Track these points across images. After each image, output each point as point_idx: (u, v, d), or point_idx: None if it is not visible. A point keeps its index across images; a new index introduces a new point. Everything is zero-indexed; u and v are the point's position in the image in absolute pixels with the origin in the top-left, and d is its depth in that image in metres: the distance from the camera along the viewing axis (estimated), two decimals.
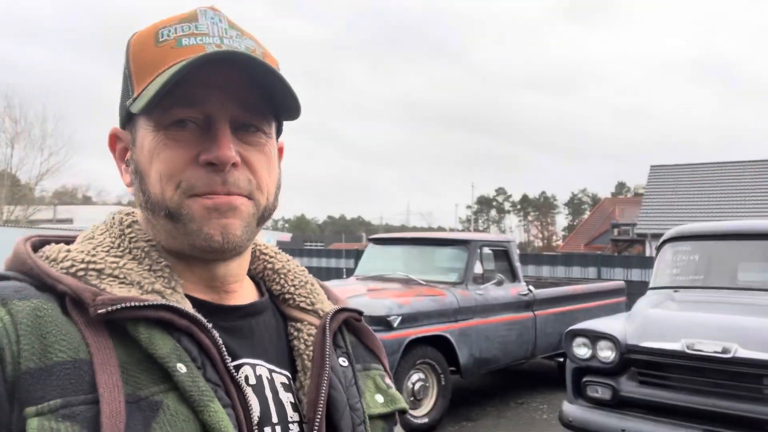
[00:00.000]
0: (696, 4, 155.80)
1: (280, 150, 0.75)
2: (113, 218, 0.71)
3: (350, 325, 0.81)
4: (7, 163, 24.48)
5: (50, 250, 0.65)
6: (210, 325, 0.61)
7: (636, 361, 3.93)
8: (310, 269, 0.86)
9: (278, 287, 0.78)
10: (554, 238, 78.89)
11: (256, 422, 0.62)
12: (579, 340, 4.21)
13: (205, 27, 0.66)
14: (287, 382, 0.69)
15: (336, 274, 16.06)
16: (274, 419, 0.65)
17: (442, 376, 5.40)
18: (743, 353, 3.46)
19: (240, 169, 0.65)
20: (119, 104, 0.70)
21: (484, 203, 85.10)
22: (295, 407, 0.68)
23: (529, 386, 7.22)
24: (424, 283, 5.90)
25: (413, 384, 5.20)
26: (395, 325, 4.98)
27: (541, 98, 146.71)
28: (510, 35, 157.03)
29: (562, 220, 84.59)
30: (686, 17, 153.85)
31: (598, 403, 4.03)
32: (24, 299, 0.57)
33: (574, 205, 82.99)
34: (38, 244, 0.67)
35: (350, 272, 9.52)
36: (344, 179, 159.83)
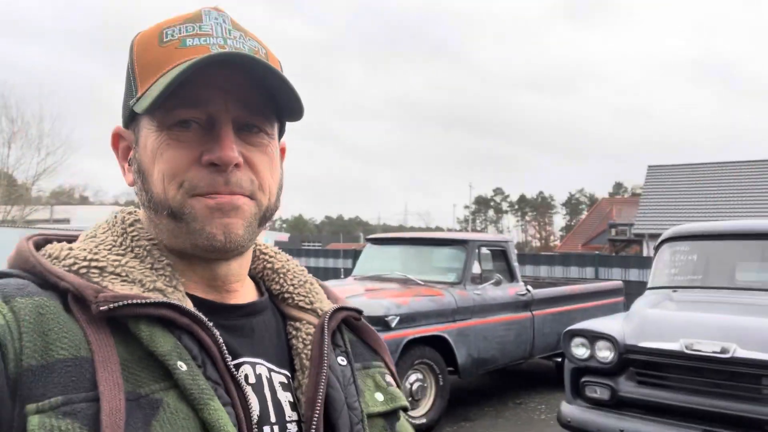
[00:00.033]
0: (696, 4, 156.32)
1: (283, 151, 0.75)
2: (115, 217, 0.71)
3: (350, 324, 0.81)
4: (3, 162, 24.40)
5: (53, 248, 0.65)
6: (211, 324, 0.62)
7: (634, 361, 3.92)
8: (308, 269, 0.86)
9: (277, 287, 0.78)
10: (552, 238, 79.04)
11: (255, 421, 0.62)
12: (577, 340, 4.20)
13: (209, 28, 0.66)
14: (286, 382, 0.69)
15: (334, 274, 16.04)
16: (272, 419, 0.65)
17: (440, 376, 5.39)
18: (742, 353, 3.46)
19: (242, 169, 0.65)
20: (122, 103, 0.70)
21: (482, 203, 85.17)
22: (294, 406, 0.68)
23: (527, 386, 7.22)
24: (422, 283, 5.89)
25: (411, 384, 5.19)
26: (393, 325, 4.96)
27: (539, 98, 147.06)
28: (509, 35, 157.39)
29: (559, 220, 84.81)
30: (686, 17, 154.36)
31: (597, 404, 4.02)
32: (26, 296, 0.57)
33: (572, 206, 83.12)
34: (41, 243, 0.68)
35: (348, 272, 9.52)
36: (342, 179, 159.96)
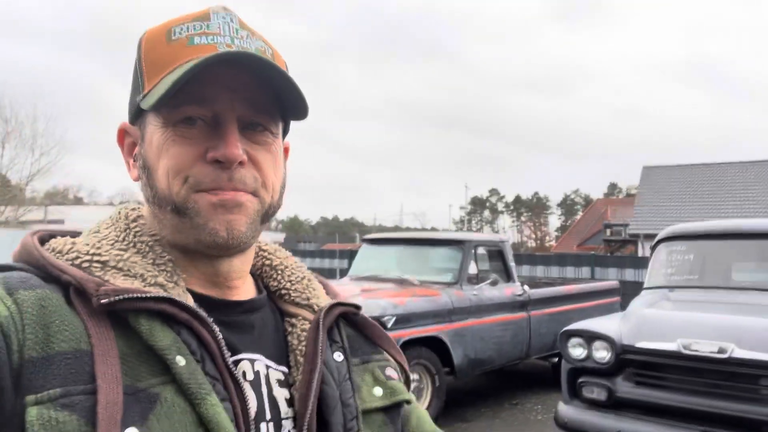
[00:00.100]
0: (691, 5, 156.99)
1: (286, 150, 0.76)
2: (119, 213, 0.72)
3: (350, 320, 0.81)
4: None
5: (56, 242, 0.66)
6: (210, 320, 0.62)
7: (632, 362, 3.91)
8: None
9: (275, 283, 0.79)
10: (547, 238, 79.25)
11: (252, 417, 0.63)
12: (574, 340, 4.18)
13: (216, 27, 0.67)
14: (283, 378, 0.70)
15: (329, 274, 16.02)
16: (268, 416, 0.66)
17: (436, 376, 5.36)
18: (740, 353, 3.45)
19: (246, 167, 0.66)
20: (129, 99, 0.71)
21: (478, 204, 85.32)
22: (290, 403, 0.68)
23: (523, 387, 7.20)
24: (419, 283, 5.87)
25: None
26: (389, 325, 4.94)
27: (534, 99, 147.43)
28: (505, 36, 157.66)
29: (554, 220, 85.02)
30: (681, 18, 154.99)
31: (594, 404, 4.00)
32: (29, 289, 0.58)
33: (567, 206, 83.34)
34: (46, 238, 0.69)
35: (344, 273, 9.48)
36: (338, 180, 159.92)
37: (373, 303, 5.01)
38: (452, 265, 6.13)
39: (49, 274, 0.61)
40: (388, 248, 6.82)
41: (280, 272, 0.79)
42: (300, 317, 0.74)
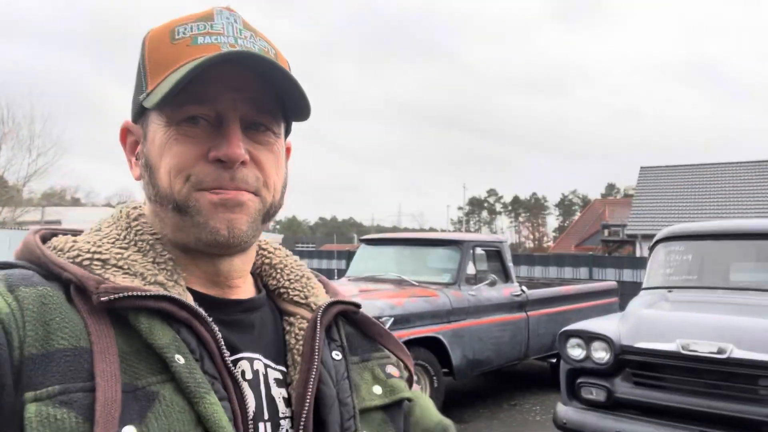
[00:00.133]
0: (688, 5, 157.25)
1: (288, 150, 0.76)
2: (120, 212, 0.72)
3: (350, 318, 0.80)
4: None
5: (58, 240, 0.67)
6: (210, 319, 0.62)
7: (630, 362, 3.90)
8: None
9: (274, 282, 0.79)
10: (545, 239, 79.33)
11: (251, 417, 0.63)
12: (573, 341, 4.17)
13: (220, 26, 0.68)
14: (281, 378, 0.70)
15: (327, 275, 15.92)
16: (266, 415, 0.66)
17: (434, 377, 5.35)
18: (739, 354, 3.44)
19: (248, 166, 0.66)
20: (132, 98, 0.72)
21: (476, 204, 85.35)
22: (288, 402, 0.68)
23: (521, 388, 7.20)
24: (417, 283, 5.86)
25: None
26: (387, 326, 4.92)
27: (533, 99, 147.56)
28: (504, 36, 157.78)
29: (552, 221, 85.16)
30: (678, 18, 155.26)
31: (593, 405, 4.00)
32: (30, 286, 0.58)
33: (565, 207, 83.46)
34: (48, 236, 0.69)
35: (342, 273, 9.48)
36: (336, 181, 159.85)
37: (371, 304, 5.00)
38: (450, 265, 6.12)
39: (50, 272, 0.62)
40: (386, 249, 6.80)
41: (279, 271, 0.79)
42: (298, 316, 0.74)
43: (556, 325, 6.21)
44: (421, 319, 5.29)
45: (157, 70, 0.66)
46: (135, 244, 0.67)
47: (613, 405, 3.90)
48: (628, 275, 13.65)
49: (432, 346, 5.39)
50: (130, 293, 0.59)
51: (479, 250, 6.25)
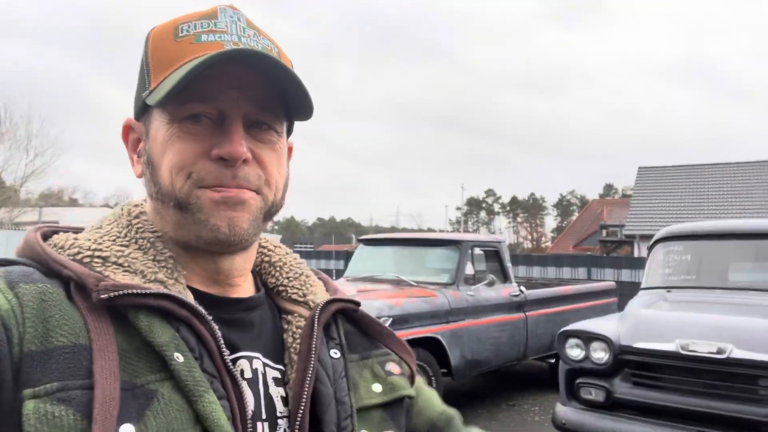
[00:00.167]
0: (686, 6, 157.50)
1: (290, 149, 0.77)
2: (122, 209, 0.72)
3: (349, 317, 0.80)
4: None
5: (59, 238, 0.67)
6: (210, 317, 0.62)
7: (629, 362, 3.90)
8: None
9: (273, 280, 0.78)
10: (543, 239, 79.39)
11: (249, 416, 0.62)
12: (572, 341, 4.17)
13: (224, 25, 0.68)
14: (280, 377, 0.69)
15: None
16: (264, 415, 0.65)
17: (433, 378, 5.34)
18: (738, 354, 3.44)
19: (250, 165, 0.66)
20: (135, 96, 0.72)
21: (474, 205, 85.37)
22: (286, 401, 0.68)
23: (520, 388, 7.19)
24: (415, 284, 5.85)
25: None
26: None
27: (532, 99, 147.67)
28: (504, 36, 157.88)
29: (550, 221, 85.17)
30: (675, 19, 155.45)
31: (592, 405, 3.99)
32: (30, 283, 0.58)
33: (563, 207, 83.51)
34: (49, 234, 0.69)
35: (340, 274, 9.46)
36: (334, 181, 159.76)
37: (369, 304, 4.98)
38: (449, 265, 6.11)
39: (50, 269, 0.62)
40: (384, 249, 6.79)
41: (278, 269, 0.79)
42: (296, 314, 0.74)
43: (555, 325, 6.21)
44: (420, 320, 5.28)
45: (160, 68, 0.66)
46: (136, 242, 0.67)
47: (612, 405, 3.90)
48: (626, 275, 13.66)
49: (430, 346, 5.38)
50: (129, 291, 0.59)
51: (478, 251, 6.24)
